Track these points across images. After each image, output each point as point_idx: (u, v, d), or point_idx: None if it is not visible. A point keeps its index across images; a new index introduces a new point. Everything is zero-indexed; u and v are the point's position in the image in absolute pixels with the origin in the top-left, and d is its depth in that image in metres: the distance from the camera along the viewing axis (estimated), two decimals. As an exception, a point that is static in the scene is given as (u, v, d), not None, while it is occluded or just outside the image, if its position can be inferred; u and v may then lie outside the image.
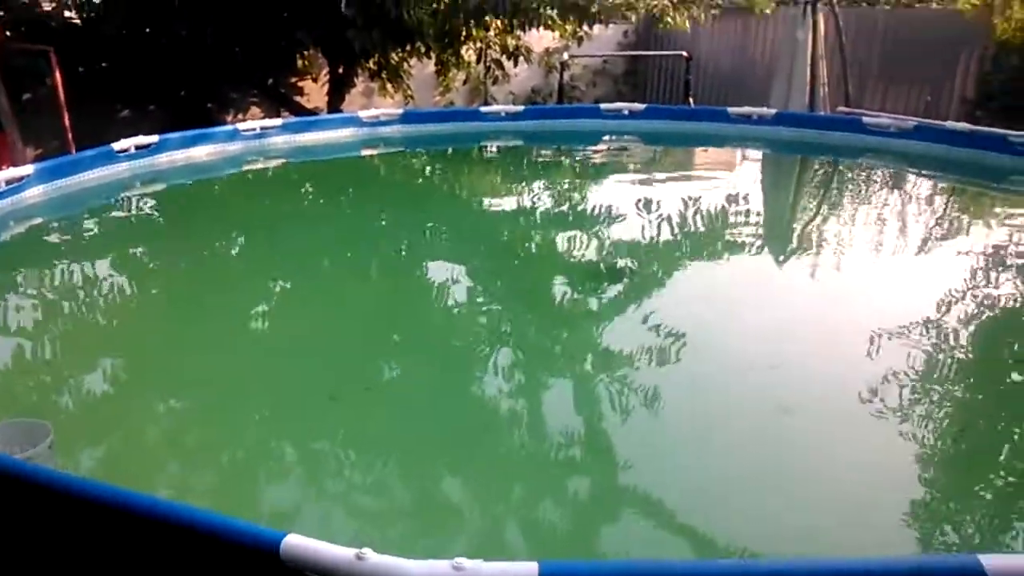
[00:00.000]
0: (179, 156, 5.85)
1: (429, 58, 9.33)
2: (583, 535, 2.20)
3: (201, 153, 5.98)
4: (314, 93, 10.02)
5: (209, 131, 6.16)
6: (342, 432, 2.68)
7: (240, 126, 6.29)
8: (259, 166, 6.31)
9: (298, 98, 9.87)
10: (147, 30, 8.10)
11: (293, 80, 9.98)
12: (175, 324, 3.53)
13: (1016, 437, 2.68)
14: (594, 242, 4.64)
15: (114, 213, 5.26)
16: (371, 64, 8.99)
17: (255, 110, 9.90)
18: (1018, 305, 3.77)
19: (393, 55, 9.10)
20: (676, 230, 4.86)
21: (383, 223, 5.27)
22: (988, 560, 1.39)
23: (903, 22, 9.46)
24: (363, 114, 6.85)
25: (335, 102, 9.07)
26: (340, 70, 9.06)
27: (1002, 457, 2.58)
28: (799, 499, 2.28)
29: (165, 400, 2.86)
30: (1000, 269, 4.18)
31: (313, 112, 9.45)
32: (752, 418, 2.69)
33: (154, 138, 5.66)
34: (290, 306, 3.84)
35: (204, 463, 2.52)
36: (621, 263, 4.26)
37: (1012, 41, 8.23)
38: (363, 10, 7.62)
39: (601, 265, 4.24)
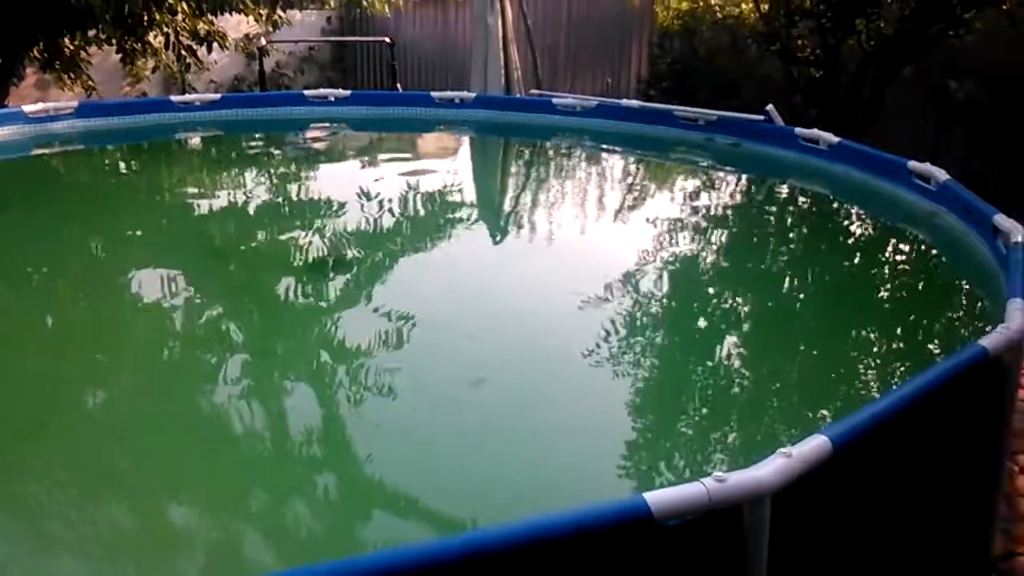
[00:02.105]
0: None
1: (110, 45, 8.50)
2: (327, 534, 2.15)
3: None
4: (-29, 88, 8.70)
5: None
6: (51, 466, 2.38)
7: None
8: None
9: (-51, 94, 8.53)
10: None
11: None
12: None
13: (701, 379, 3.01)
14: (313, 234, 4.50)
15: None
16: (37, 53, 7.98)
17: None
18: (694, 260, 4.25)
19: (66, 42, 8.17)
20: (394, 215, 4.87)
21: (70, 232, 4.70)
22: (652, 497, 1.42)
23: (584, 10, 10.24)
24: (28, 109, 6.01)
25: (-3, 97, 7.97)
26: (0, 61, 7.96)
27: (688, 400, 2.88)
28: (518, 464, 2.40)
29: None
30: (677, 230, 4.70)
31: (-31, 109, 8.21)
32: (479, 390, 2.79)
33: None
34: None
35: None
36: (342, 253, 4.18)
37: (672, 27, 9.26)
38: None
39: (322, 257, 4.13)
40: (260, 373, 3.02)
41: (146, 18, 7.93)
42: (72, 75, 8.69)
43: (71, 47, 8.44)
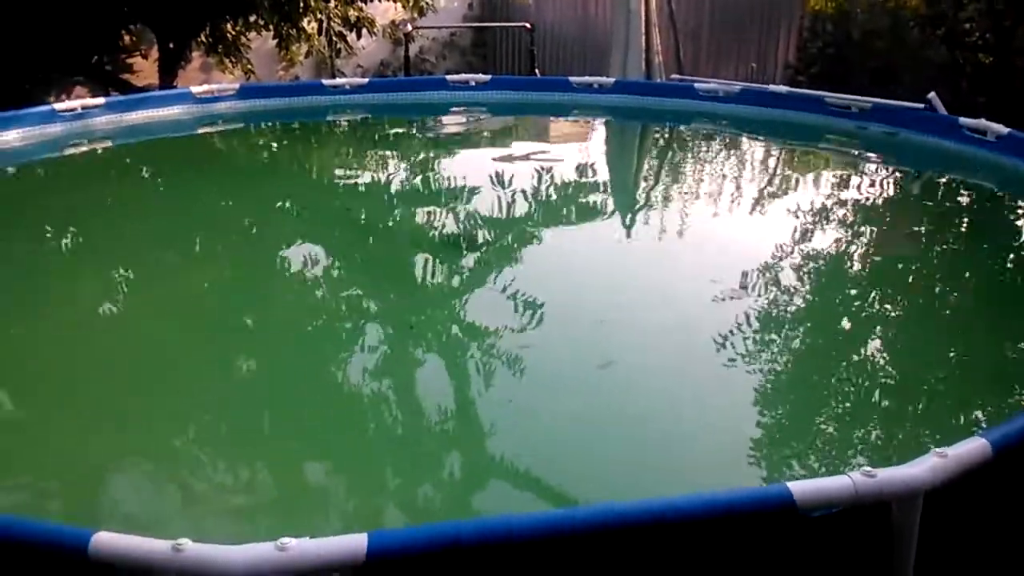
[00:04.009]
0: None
1: (268, 30, 8.97)
2: (452, 501, 2.22)
3: (12, 137, 5.51)
4: (147, 70, 9.42)
5: (20, 113, 5.65)
6: (197, 427, 2.56)
7: (57, 106, 5.82)
8: (83, 149, 5.89)
9: (128, 76, 9.25)
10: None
11: (123, 57, 9.35)
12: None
13: (844, 375, 2.88)
14: (449, 214, 4.62)
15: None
16: (204, 38, 8.54)
17: (80, 90, 9.21)
18: (841, 254, 4.05)
19: (228, 28, 8.69)
20: (529, 199, 4.92)
21: (228, 204, 5.04)
22: (796, 487, 1.40)
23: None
24: (196, 90, 6.48)
25: (166, 79, 8.58)
26: (171, 45, 8.56)
27: (830, 395, 2.77)
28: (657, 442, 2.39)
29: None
30: (825, 222, 4.49)
31: (144, 90, 8.90)
32: (609, 373, 2.79)
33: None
34: (134, 298, 3.59)
35: (48, 469, 2.35)
36: (477, 234, 4.26)
37: (825, 10, 8.83)
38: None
39: (458, 237, 4.23)
40: (394, 344, 3.13)
41: (301, 5, 8.32)
42: (233, 59, 9.22)
43: (233, 32, 8.96)
